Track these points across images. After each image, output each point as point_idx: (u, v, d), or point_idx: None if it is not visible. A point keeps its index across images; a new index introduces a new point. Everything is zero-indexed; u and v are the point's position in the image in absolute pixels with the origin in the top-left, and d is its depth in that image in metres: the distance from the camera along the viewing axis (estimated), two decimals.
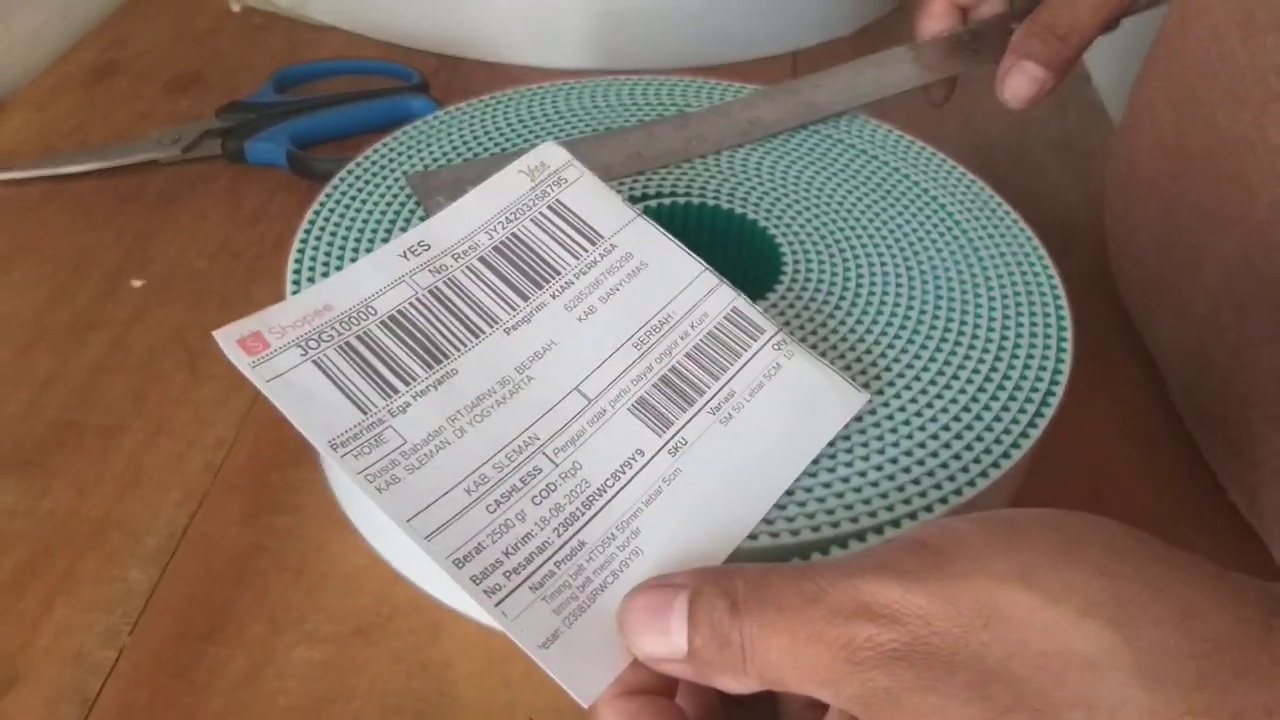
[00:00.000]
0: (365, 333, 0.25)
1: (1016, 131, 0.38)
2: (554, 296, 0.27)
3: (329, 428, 0.23)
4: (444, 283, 0.27)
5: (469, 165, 0.34)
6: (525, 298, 0.27)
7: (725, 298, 0.28)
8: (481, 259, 0.28)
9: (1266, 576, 0.29)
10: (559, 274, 0.28)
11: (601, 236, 0.28)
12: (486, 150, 0.35)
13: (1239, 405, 0.29)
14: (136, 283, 0.38)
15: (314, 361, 0.25)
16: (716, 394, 0.26)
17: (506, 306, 0.27)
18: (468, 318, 0.26)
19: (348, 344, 0.25)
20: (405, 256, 0.27)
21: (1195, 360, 0.31)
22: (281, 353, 0.24)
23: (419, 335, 0.26)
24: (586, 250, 0.28)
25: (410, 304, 0.26)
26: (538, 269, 0.28)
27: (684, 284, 0.28)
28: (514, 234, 0.28)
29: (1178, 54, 0.32)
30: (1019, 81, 0.36)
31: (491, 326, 0.26)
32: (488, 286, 0.27)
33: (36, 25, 0.50)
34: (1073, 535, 0.18)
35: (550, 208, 0.29)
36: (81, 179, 0.42)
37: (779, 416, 0.26)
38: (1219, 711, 0.15)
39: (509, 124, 0.36)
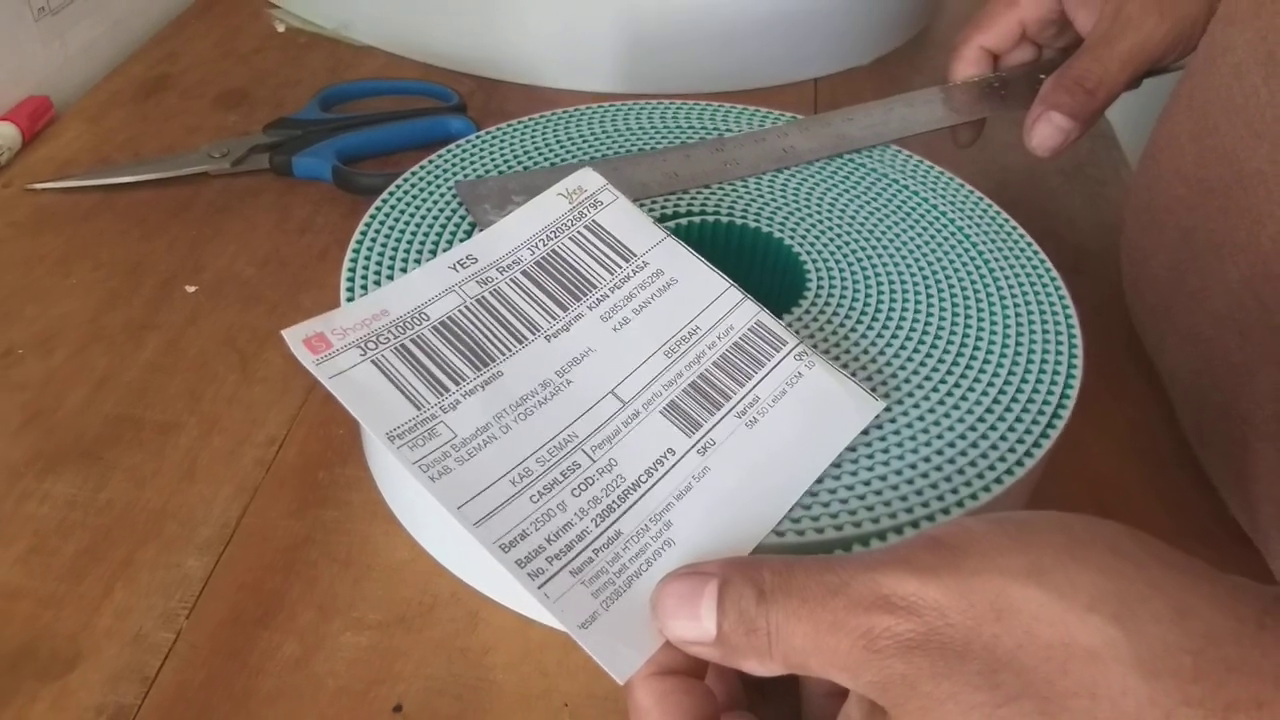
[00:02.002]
0: (419, 336, 0.27)
1: (1031, 159, 0.39)
2: (591, 308, 0.29)
3: (387, 421, 0.25)
4: (490, 293, 0.29)
5: (514, 176, 0.36)
6: (564, 308, 0.29)
7: (749, 312, 0.30)
8: (524, 272, 0.30)
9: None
10: (595, 287, 0.29)
11: (634, 254, 0.30)
12: (526, 168, 0.37)
13: (1240, 424, 0.30)
14: (190, 288, 0.39)
15: (373, 361, 0.26)
16: (742, 399, 0.27)
17: (547, 316, 0.29)
18: (512, 325, 0.28)
19: (403, 346, 0.27)
20: (455, 269, 0.29)
21: (1200, 381, 0.33)
22: (343, 352, 0.26)
23: (468, 340, 0.28)
24: (620, 266, 0.30)
25: (460, 311, 0.28)
26: (576, 283, 0.30)
27: (711, 299, 0.30)
28: (554, 250, 0.30)
29: (1202, 88, 0.33)
30: (1046, 131, 0.37)
31: (534, 334, 0.28)
32: (530, 297, 0.29)
33: (90, 40, 0.52)
34: (1080, 537, 0.19)
35: (587, 227, 0.31)
36: (135, 189, 0.44)
37: (800, 421, 0.27)
38: (1212, 702, 0.16)
39: (547, 144, 0.38)
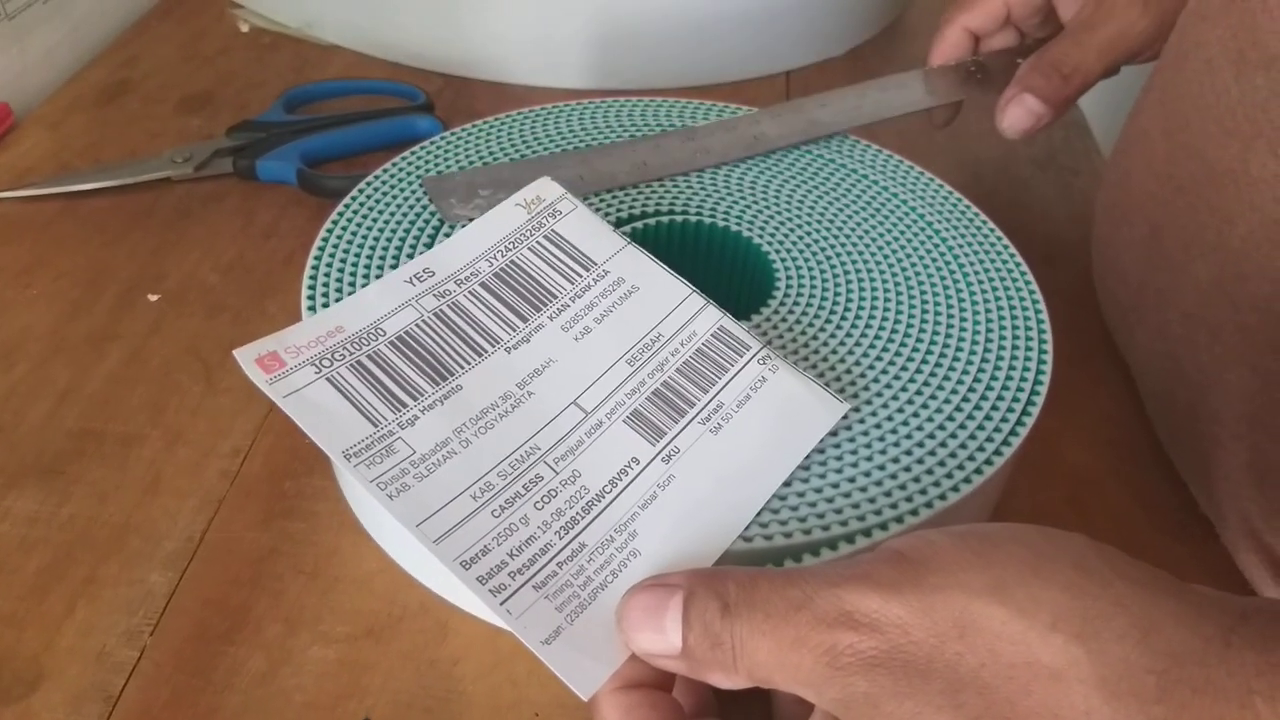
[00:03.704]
0: (375, 352, 0.27)
1: (1003, 149, 0.39)
2: (551, 318, 0.29)
3: (343, 439, 0.25)
4: (448, 306, 0.28)
5: (480, 171, 0.35)
6: (524, 319, 0.29)
7: (712, 317, 0.29)
8: (483, 284, 0.29)
9: (1239, 584, 0.31)
10: (556, 297, 0.29)
11: (595, 263, 0.30)
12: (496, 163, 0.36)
13: (1209, 423, 0.30)
14: (153, 297, 0.39)
15: (328, 379, 0.26)
16: (706, 406, 0.27)
17: (507, 327, 0.28)
18: (471, 338, 0.28)
19: (359, 363, 0.27)
20: (411, 282, 0.29)
21: (1169, 377, 0.33)
22: (297, 370, 0.26)
23: (426, 354, 0.27)
24: (581, 275, 0.30)
25: (417, 325, 0.28)
26: (536, 293, 0.29)
27: (673, 305, 0.29)
28: (513, 261, 0.30)
29: (1174, 84, 0.32)
30: (1017, 113, 0.37)
31: (493, 346, 0.28)
32: (489, 309, 0.29)
33: (50, 45, 0.52)
34: (1043, 552, 0.19)
35: (546, 237, 0.30)
36: (96, 196, 0.43)
37: (765, 426, 0.27)
38: None
39: (513, 144, 0.38)
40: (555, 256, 0.30)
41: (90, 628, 0.28)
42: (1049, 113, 0.37)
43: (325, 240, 0.33)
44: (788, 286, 0.33)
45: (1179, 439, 0.33)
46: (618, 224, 0.34)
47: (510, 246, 0.30)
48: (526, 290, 0.29)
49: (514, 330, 0.28)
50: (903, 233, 0.35)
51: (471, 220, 0.31)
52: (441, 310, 0.28)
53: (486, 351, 0.28)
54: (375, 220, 0.34)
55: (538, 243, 0.30)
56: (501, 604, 0.22)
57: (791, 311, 0.32)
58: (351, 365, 0.27)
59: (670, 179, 0.37)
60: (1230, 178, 0.29)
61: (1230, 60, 0.29)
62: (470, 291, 0.29)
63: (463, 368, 0.27)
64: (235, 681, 0.27)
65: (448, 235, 0.32)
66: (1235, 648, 0.17)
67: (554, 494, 0.25)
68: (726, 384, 0.28)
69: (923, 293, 0.33)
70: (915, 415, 0.29)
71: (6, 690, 0.27)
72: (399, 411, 0.26)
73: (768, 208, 0.36)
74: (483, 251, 0.30)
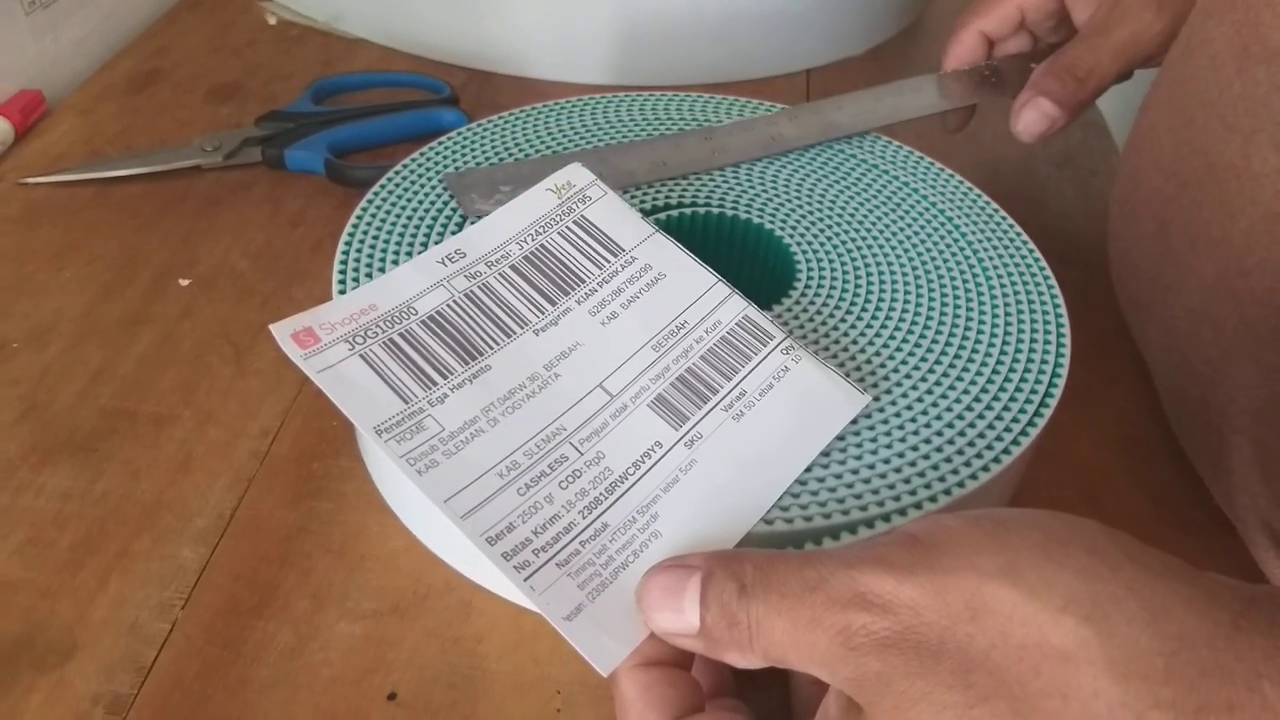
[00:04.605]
0: (407, 331, 0.28)
1: (1022, 149, 0.39)
2: (579, 302, 0.29)
3: (374, 415, 0.25)
4: (479, 287, 0.29)
5: (500, 168, 0.36)
6: (553, 302, 0.29)
7: (737, 306, 0.30)
8: (513, 267, 0.30)
9: (1252, 578, 0.31)
10: (584, 282, 0.30)
11: (623, 249, 0.30)
12: (517, 160, 0.37)
13: (1216, 416, 0.30)
14: (184, 281, 0.40)
15: (361, 355, 0.27)
16: (729, 393, 0.28)
17: (535, 310, 0.29)
18: (500, 319, 0.28)
19: (391, 340, 0.27)
20: (444, 263, 0.29)
21: (1179, 372, 0.33)
22: (331, 346, 0.27)
23: (456, 334, 0.28)
24: (609, 261, 0.30)
25: (448, 305, 0.28)
26: (564, 277, 0.30)
27: (699, 293, 0.30)
28: (543, 245, 0.30)
29: (1180, 80, 0.33)
30: (1032, 117, 0.37)
31: (522, 328, 0.28)
32: (518, 292, 0.29)
33: (82, 34, 0.52)
34: (1055, 536, 0.19)
35: (576, 222, 0.31)
36: (128, 183, 0.44)
37: (787, 414, 0.27)
38: (1183, 705, 0.16)
39: (538, 136, 0.38)
40: (584, 241, 0.30)
41: (123, 600, 0.29)
42: (1063, 116, 0.37)
43: (354, 228, 0.33)
44: (809, 279, 0.33)
45: (1191, 433, 0.34)
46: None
47: (540, 230, 0.30)
48: (555, 274, 0.30)
49: (542, 313, 0.29)
50: (922, 227, 0.36)
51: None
52: (472, 291, 0.29)
53: (515, 333, 0.28)
54: (402, 210, 0.34)
55: (567, 227, 0.31)
56: (525, 580, 0.23)
57: (812, 303, 0.32)
58: (384, 343, 0.27)
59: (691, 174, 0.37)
60: (1232, 173, 0.29)
61: (1234, 55, 0.29)
62: (500, 273, 0.29)
63: (492, 348, 0.28)
64: (264, 655, 0.28)
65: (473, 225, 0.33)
66: (1244, 632, 0.17)
67: (578, 474, 0.25)
68: (750, 372, 0.28)
69: (942, 287, 0.33)
70: (934, 406, 0.29)
71: (42, 659, 0.28)
72: (429, 389, 0.26)
73: (789, 201, 0.36)
74: (514, 235, 0.30)
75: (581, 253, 0.30)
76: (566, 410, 0.27)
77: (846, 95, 0.40)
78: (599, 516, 0.25)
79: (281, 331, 0.26)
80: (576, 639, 0.22)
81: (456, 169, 0.37)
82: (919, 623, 0.18)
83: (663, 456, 0.26)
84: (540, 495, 0.25)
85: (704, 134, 0.38)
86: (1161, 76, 0.35)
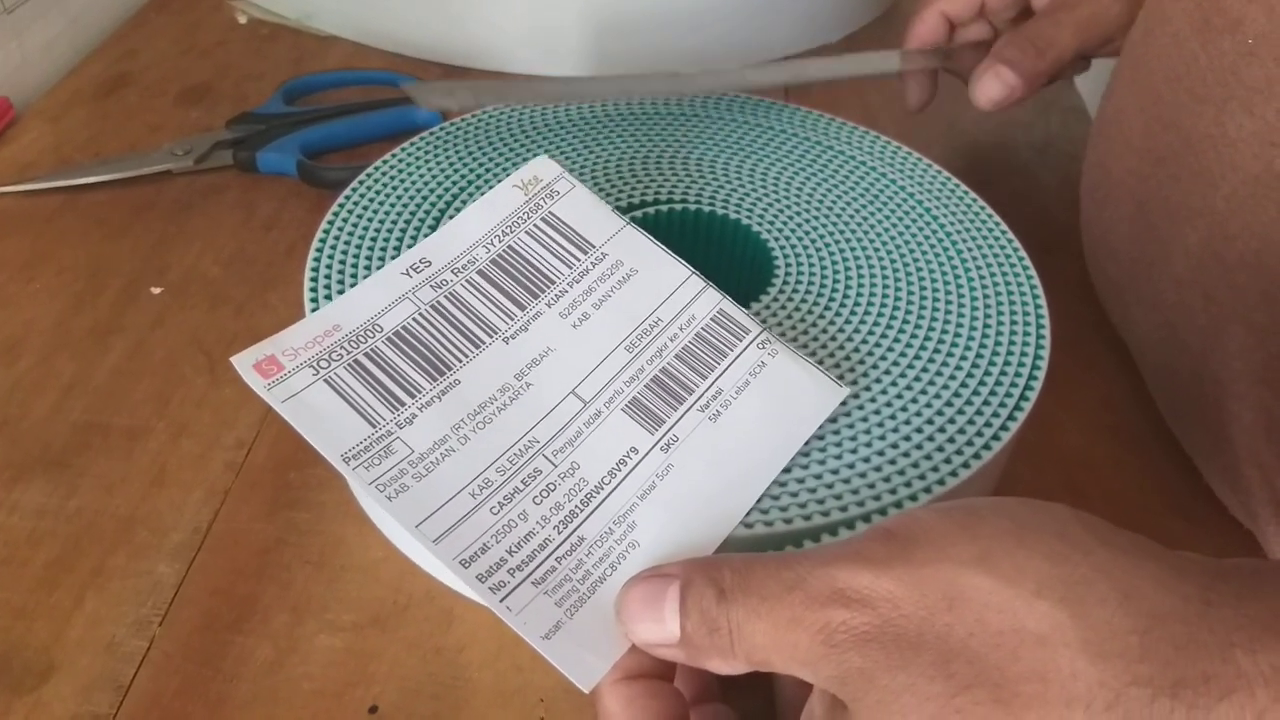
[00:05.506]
0: (373, 350, 0.27)
1: (1001, 134, 0.40)
2: (549, 305, 0.29)
3: (341, 442, 0.25)
4: (445, 297, 0.28)
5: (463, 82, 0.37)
6: (522, 307, 0.29)
7: (712, 300, 0.29)
8: (480, 272, 0.29)
9: (1238, 556, 0.31)
10: (553, 283, 0.29)
11: (593, 245, 0.30)
12: (492, 160, 0.37)
13: (1211, 386, 0.30)
14: (155, 290, 0.39)
15: (325, 380, 0.26)
16: (705, 392, 0.27)
17: (505, 316, 0.28)
18: (468, 329, 0.28)
19: (356, 361, 0.27)
20: (408, 274, 0.29)
21: (1168, 347, 0.33)
22: (295, 374, 0.26)
23: (423, 349, 0.27)
24: (579, 259, 0.30)
25: (414, 319, 0.28)
26: (533, 279, 0.29)
27: (672, 288, 0.29)
28: (510, 246, 0.30)
29: (1143, 60, 0.33)
30: (990, 83, 0.39)
31: (491, 336, 0.28)
32: (486, 298, 0.29)
33: (48, 39, 0.52)
34: (1027, 523, 0.19)
35: (544, 219, 0.30)
36: (97, 190, 0.44)
37: (764, 412, 0.27)
38: (1160, 680, 0.17)
39: (512, 134, 0.38)
40: (553, 240, 0.30)
41: (99, 618, 0.29)
42: (1021, 85, 0.38)
43: (326, 232, 0.33)
44: (787, 273, 0.33)
45: (1183, 411, 0.34)
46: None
47: (508, 231, 0.30)
48: (524, 277, 0.29)
49: (512, 319, 0.28)
50: (901, 219, 0.36)
51: (449, 108, 0.31)
52: (438, 302, 0.28)
53: (484, 342, 0.28)
54: (376, 211, 0.34)
55: (535, 225, 0.30)
56: (501, 601, 0.23)
57: (791, 299, 0.32)
58: (349, 365, 0.26)
59: (669, 166, 0.37)
60: (1209, 142, 0.29)
61: (1195, 29, 0.30)
62: (468, 280, 0.29)
63: (460, 361, 0.27)
64: (244, 670, 0.28)
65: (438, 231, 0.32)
66: (1214, 605, 0.17)
67: (553, 488, 0.25)
68: (726, 369, 0.28)
69: (921, 278, 0.33)
70: (914, 400, 0.29)
71: (18, 681, 0.27)
72: (397, 410, 0.26)
73: (766, 196, 0.36)
74: (480, 237, 0.30)
75: (551, 252, 0.30)
76: (539, 421, 0.26)
77: (810, 58, 0.42)
78: (575, 530, 0.24)
79: (243, 362, 0.25)
80: (556, 657, 0.22)
81: (430, 170, 0.36)
82: (898, 615, 0.19)
83: (639, 463, 0.26)
84: (514, 513, 0.24)
85: (671, 76, 0.39)
86: (1123, 60, 0.36)
